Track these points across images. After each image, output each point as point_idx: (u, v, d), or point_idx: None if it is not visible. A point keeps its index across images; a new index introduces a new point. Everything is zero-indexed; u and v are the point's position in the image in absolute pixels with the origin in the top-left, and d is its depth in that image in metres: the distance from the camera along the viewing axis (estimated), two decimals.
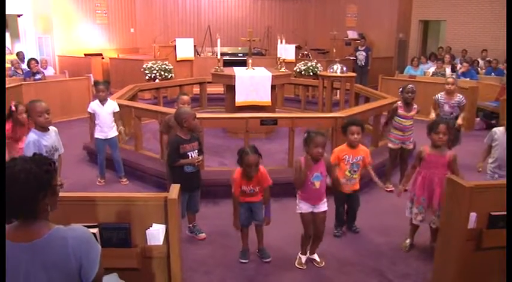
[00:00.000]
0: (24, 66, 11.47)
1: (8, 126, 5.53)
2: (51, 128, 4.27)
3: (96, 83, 6.26)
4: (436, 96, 6.90)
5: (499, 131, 4.85)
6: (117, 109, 6.23)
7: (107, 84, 6.31)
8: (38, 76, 10.53)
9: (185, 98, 5.55)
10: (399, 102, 6.12)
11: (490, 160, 4.98)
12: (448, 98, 6.76)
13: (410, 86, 6.05)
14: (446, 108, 6.78)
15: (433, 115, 6.72)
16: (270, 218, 4.27)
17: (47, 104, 4.18)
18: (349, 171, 4.69)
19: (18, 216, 1.96)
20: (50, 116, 4.16)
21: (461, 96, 6.75)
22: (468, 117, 9.29)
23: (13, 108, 5.52)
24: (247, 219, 4.25)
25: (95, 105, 6.14)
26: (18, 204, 1.92)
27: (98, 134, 6.15)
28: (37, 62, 10.97)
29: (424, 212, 4.39)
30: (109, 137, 6.16)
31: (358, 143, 4.69)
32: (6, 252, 1.92)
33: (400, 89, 6.15)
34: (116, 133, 6.24)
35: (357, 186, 4.79)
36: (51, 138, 4.18)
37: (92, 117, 6.19)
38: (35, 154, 2.09)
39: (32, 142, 4.02)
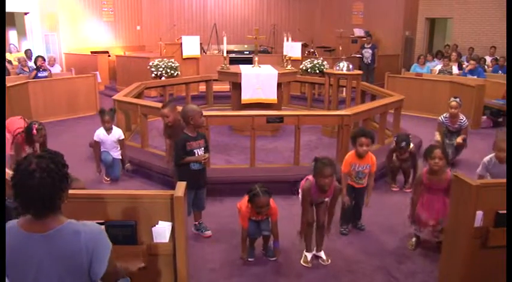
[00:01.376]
0: (31, 64, 11.52)
1: (21, 138, 5.59)
2: None
3: (102, 113, 6.24)
4: (441, 118, 6.97)
5: (493, 160, 4.65)
6: (122, 137, 6.33)
7: (112, 113, 6.34)
8: (44, 73, 10.54)
9: (165, 111, 5.44)
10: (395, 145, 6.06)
11: None
12: (451, 121, 6.85)
13: (403, 143, 5.87)
14: (450, 129, 6.90)
15: (438, 137, 6.78)
16: (279, 248, 4.27)
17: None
18: (355, 177, 4.73)
19: (37, 211, 2.00)
20: None
21: (463, 120, 6.81)
22: (475, 115, 9.29)
23: (34, 131, 5.56)
24: (257, 231, 4.22)
25: (101, 134, 6.23)
26: (39, 200, 1.96)
27: (103, 149, 6.28)
28: (44, 60, 11.00)
29: (417, 225, 4.47)
30: (113, 157, 6.29)
31: (367, 153, 4.68)
32: (22, 243, 1.96)
33: (395, 139, 6.07)
34: (120, 157, 6.33)
35: (364, 184, 4.81)
36: None
37: (97, 144, 6.25)
38: (47, 150, 2.13)
39: None
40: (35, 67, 10.75)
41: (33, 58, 11.86)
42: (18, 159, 2.04)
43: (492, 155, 4.51)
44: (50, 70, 11.06)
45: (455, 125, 6.80)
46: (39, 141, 5.72)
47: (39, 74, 10.48)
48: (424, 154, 4.44)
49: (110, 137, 6.23)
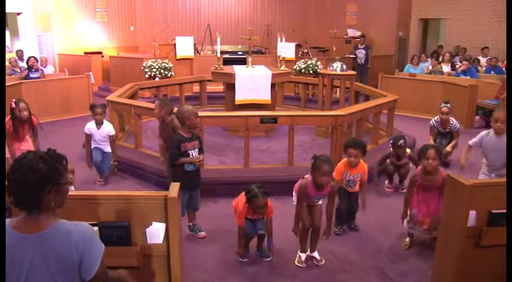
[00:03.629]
0: (23, 64, 11.45)
1: (7, 120, 5.53)
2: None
3: (93, 106, 6.16)
4: (432, 122, 7.04)
5: (490, 134, 4.81)
6: (112, 132, 6.21)
7: (104, 107, 6.26)
8: (35, 74, 10.47)
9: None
10: (391, 149, 6.02)
11: (484, 162, 5.03)
12: (442, 126, 6.94)
13: (401, 141, 5.85)
14: (441, 132, 6.99)
15: (432, 142, 6.81)
16: (273, 246, 4.28)
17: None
18: (345, 185, 4.78)
19: (23, 207, 2.02)
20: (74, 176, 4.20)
21: (453, 123, 6.88)
22: (468, 115, 9.33)
23: (13, 105, 5.52)
24: (253, 230, 4.22)
25: (91, 128, 6.17)
26: (22, 196, 1.98)
27: (92, 144, 6.22)
28: (36, 60, 10.94)
29: (412, 222, 4.47)
30: (103, 151, 6.22)
31: (357, 163, 4.69)
32: (13, 243, 1.97)
33: (391, 141, 6.04)
34: (110, 150, 6.24)
35: (357, 189, 4.84)
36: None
37: (89, 137, 6.20)
38: (49, 149, 2.13)
39: None
40: (26, 67, 10.69)
41: (25, 59, 11.80)
42: (10, 150, 2.07)
43: (491, 129, 4.62)
44: (42, 70, 11.00)
45: (446, 128, 6.88)
46: (23, 118, 5.56)
47: (31, 75, 10.41)
48: (417, 154, 4.47)
49: (100, 132, 6.15)
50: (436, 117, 6.99)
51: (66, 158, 2.15)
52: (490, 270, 3.53)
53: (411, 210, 4.47)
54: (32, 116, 5.75)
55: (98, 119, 6.13)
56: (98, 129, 6.16)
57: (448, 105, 6.84)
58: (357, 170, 4.70)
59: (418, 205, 4.41)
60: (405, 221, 4.56)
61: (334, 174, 4.69)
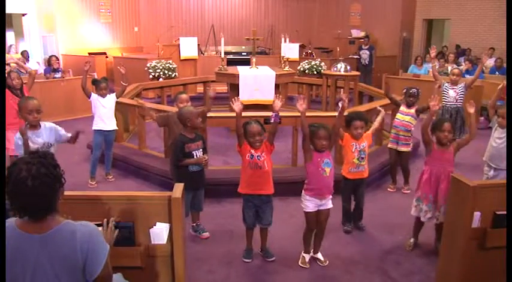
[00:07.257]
0: (29, 64, 11.47)
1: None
2: (48, 124, 4.31)
3: (96, 81, 6.17)
4: (444, 82, 7.23)
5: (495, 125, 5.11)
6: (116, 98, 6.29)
7: (107, 81, 6.31)
8: (58, 74, 10.51)
9: (184, 96, 5.48)
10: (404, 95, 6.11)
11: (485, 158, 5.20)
12: (453, 85, 7.17)
13: (414, 90, 5.99)
14: (452, 93, 7.12)
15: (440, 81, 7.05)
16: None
17: (39, 103, 4.22)
18: (357, 159, 4.69)
19: (33, 215, 2.00)
20: (40, 115, 4.19)
21: (462, 83, 7.18)
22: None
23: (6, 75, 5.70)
24: (253, 220, 4.24)
25: (95, 96, 6.14)
26: (40, 205, 1.97)
27: (97, 126, 6.13)
28: (57, 59, 10.96)
29: (433, 210, 4.37)
30: (108, 129, 6.15)
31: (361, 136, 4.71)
32: (20, 243, 1.97)
33: (404, 90, 6.12)
34: (115, 127, 6.24)
35: (366, 174, 4.80)
36: (42, 135, 4.21)
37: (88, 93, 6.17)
38: (32, 152, 2.09)
39: (19, 138, 4.04)
40: (48, 67, 10.70)
41: (30, 59, 11.84)
42: None
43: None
44: (69, 71, 11.07)
45: (457, 86, 7.11)
46: (16, 86, 5.76)
47: (55, 75, 10.47)
48: (432, 127, 4.43)
49: (104, 102, 6.12)
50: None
51: (52, 153, 2.16)
52: (495, 272, 3.51)
53: (422, 193, 4.39)
54: (24, 86, 5.97)
55: (104, 93, 6.12)
56: (104, 97, 6.14)
57: (459, 67, 7.00)
58: (363, 139, 4.71)
59: (429, 186, 4.33)
60: (422, 213, 4.43)
61: (345, 136, 4.71)
